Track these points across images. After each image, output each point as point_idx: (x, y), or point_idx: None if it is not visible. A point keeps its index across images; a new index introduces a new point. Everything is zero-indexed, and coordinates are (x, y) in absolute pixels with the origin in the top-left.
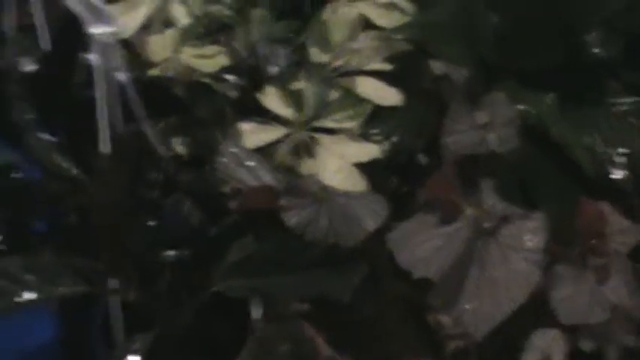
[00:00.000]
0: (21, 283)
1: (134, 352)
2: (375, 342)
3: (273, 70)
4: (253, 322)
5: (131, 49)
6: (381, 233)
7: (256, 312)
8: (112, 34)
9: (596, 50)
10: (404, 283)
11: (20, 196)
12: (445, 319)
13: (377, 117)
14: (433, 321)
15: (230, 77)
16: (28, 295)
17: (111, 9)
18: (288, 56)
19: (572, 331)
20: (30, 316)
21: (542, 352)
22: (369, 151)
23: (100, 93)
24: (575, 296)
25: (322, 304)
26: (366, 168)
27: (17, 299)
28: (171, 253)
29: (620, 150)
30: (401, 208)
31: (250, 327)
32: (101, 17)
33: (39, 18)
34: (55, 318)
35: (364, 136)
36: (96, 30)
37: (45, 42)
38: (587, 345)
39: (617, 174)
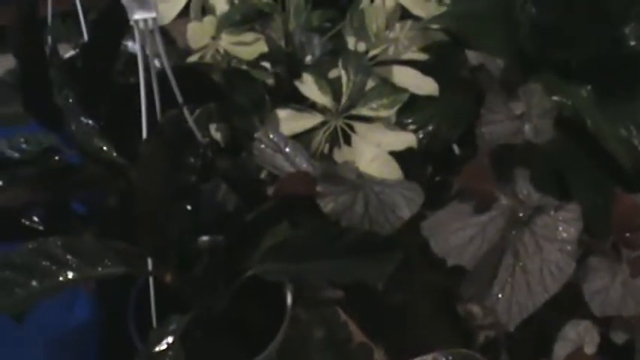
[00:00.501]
0: (62, 263)
1: (170, 334)
2: (406, 330)
3: (310, 58)
4: (288, 307)
5: (170, 36)
6: (414, 222)
7: (290, 297)
8: (153, 20)
9: (634, 43)
10: (436, 273)
11: (62, 178)
12: (476, 310)
13: (413, 106)
14: (464, 311)
15: (267, 65)
16: (69, 276)
17: None
18: (325, 45)
19: (604, 323)
20: (70, 295)
21: (574, 343)
22: (405, 139)
23: (142, 79)
24: (609, 288)
25: (356, 291)
26: (401, 156)
27: (59, 279)
28: (207, 237)
29: None
30: (435, 197)
31: (285, 312)
32: (143, 4)
33: (80, 5)
34: (94, 298)
35: (400, 124)
36: (138, 16)
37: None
38: (619, 337)
39: None
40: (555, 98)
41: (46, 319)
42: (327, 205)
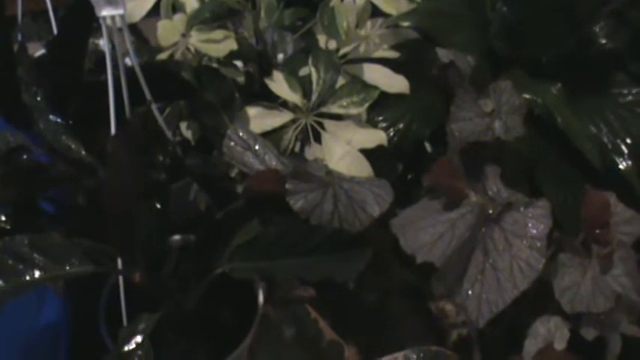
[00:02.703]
0: (29, 262)
1: (139, 333)
2: (378, 328)
3: (282, 56)
4: (259, 306)
5: (142, 34)
6: (385, 219)
7: (261, 295)
8: (121, 17)
9: (603, 41)
10: (408, 271)
11: (30, 177)
12: (448, 307)
13: (384, 104)
14: (437, 309)
15: (238, 63)
16: (37, 275)
17: None
18: (296, 43)
19: (574, 320)
20: (38, 295)
21: (545, 339)
22: (376, 137)
23: (109, 77)
24: (579, 285)
25: (328, 289)
26: (372, 154)
27: (26, 279)
28: (177, 236)
29: (626, 140)
30: (405, 195)
31: (255, 311)
32: (111, 1)
33: (50, 3)
34: (62, 298)
35: (371, 122)
36: (105, 13)
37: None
38: (589, 333)
39: (623, 164)
40: (526, 96)
41: (14, 320)
42: (297, 203)
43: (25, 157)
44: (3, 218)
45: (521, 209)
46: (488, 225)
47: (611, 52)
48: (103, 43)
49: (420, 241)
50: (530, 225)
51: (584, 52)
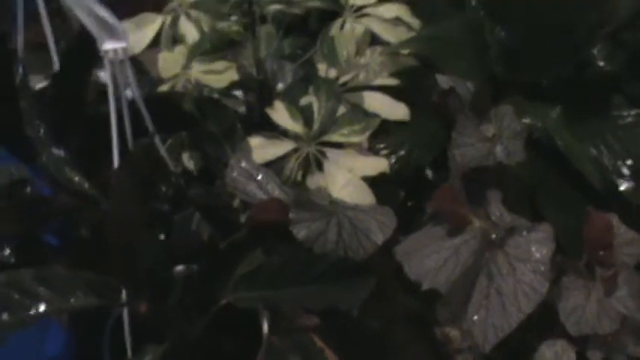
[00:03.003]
0: (34, 296)
1: None
2: (383, 356)
3: (282, 85)
4: (264, 335)
5: (141, 65)
6: (388, 246)
7: (266, 325)
8: (124, 50)
9: (601, 64)
10: (411, 297)
11: (33, 210)
12: (453, 333)
13: (385, 131)
14: (441, 335)
15: (238, 93)
16: (42, 308)
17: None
18: (296, 72)
19: (580, 342)
20: (42, 328)
21: None
22: (377, 165)
23: (112, 109)
24: (584, 307)
25: (332, 317)
26: (373, 182)
27: (31, 312)
28: (181, 266)
29: (627, 161)
30: (407, 222)
31: (260, 340)
32: (113, 34)
33: (51, 35)
34: (66, 330)
35: (372, 149)
36: (108, 46)
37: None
38: (595, 356)
39: (624, 185)
40: (525, 120)
41: (18, 353)
42: (300, 232)
43: (28, 190)
44: (7, 252)
45: (524, 233)
46: (491, 250)
47: (608, 75)
48: (103, 74)
49: (424, 267)
50: (533, 249)
51: (583, 75)
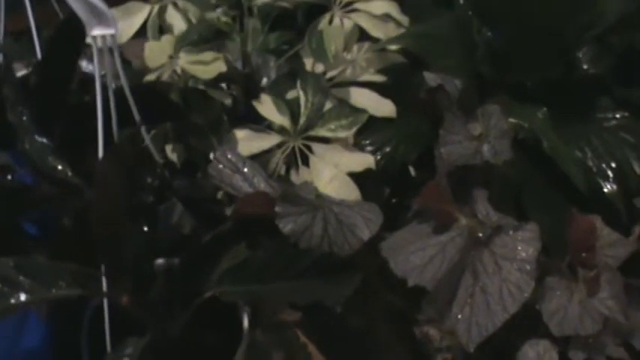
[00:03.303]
0: (14, 285)
1: (125, 357)
2: (365, 352)
3: (265, 80)
4: (245, 330)
5: (124, 56)
6: (372, 243)
7: (246, 320)
8: (112, 37)
9: (586, 66)
10: (394, 294)
11: (14, 198)
12: (433, 332)
13: (370, 127)
14: (421, 334)
15: (224, 85)
16: (22, 298)
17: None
18: (281, 67)
19: (563, 343)
20: (20, 319)
21: None
22: (363, 160)
23: (99, 98)
24: (566, 308)
25: (315, 313)
26: (358, 178)
27: (11, 301)
28: (161, 259)
29: (611, 164)
30: (392, 219)
31: (242, 334)
32: (102, 20)
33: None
34: (45, 322)
35: (357, 145)
36: (96, 32)
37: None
38: (578, 356)
39: (608, 187)
40: (511, 120)
41: None
42: (286, 226)
43: (9, 177)
44: None
45: (511, 232)
46: (477, 248)
47: (594, 77)
48: (85, 63)
49: (410, 264)
50: (519, 248)
51: (568, 77)
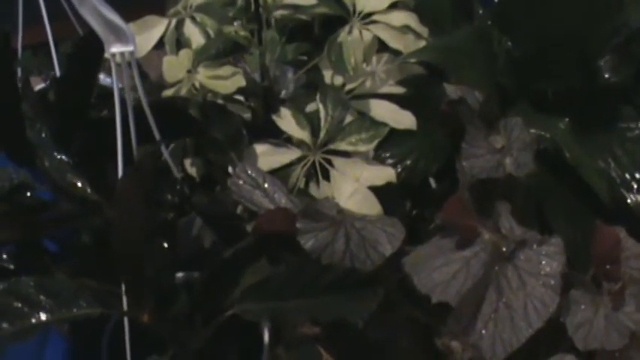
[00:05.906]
0: (36, 304)
1: None
2: None
3: (284, 92)
4: (265, 346)
5: (142, 69)
6: (393, 257)
7: (267, 336)
8: (132, 54)
9: (607, 75)
10: (415, 308)
11: (34, 215)
12: (455, 344)
13: (391, 140)
14: (443, 346)
15: (242, 99)
16: (43, 317)
17: None
18: (299, 79)
19: (588, 357)
20: (40, 338)
21: None
22: (385, 174)
23: (118, 114)
24: (592, 321)
25: (335, 327)
26: (379, 191)
27: (32, 321)
28: (180, 273)
29: (635, 175)
30: (412, 231)
31: (263, 350)
32: (120, 36)
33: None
34: (66, 337)
35: (377, 159)
36: (115, 50)
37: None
38: None
39: (632, 198)
40: (533, 131)
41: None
42: (308, 242)
43: (28, 194)
44: (5, 257)
45: (535, 247)
46: (501, 263)
47: (616, 86)
48: (103, 77)
49: (434, 280)
50: (543, 262)
51: (590, 87)
